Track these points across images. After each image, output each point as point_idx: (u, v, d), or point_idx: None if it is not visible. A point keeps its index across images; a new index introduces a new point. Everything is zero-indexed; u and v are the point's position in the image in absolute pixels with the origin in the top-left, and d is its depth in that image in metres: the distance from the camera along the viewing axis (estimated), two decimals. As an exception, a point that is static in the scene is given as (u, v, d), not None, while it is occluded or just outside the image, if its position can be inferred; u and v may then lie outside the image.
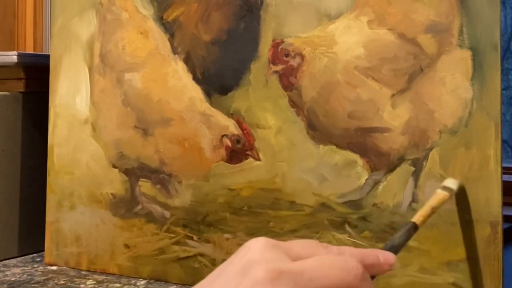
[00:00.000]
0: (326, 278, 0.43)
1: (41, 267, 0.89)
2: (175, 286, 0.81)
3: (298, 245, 0.46)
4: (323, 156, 0.73)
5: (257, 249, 0.44)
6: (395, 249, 0.52)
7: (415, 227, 0.58)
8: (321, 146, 0.74)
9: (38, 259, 0.93)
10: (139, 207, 0.85)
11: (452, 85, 0.67)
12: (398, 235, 0.55)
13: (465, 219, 0.66)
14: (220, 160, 0.79)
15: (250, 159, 0.78)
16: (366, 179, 0.71)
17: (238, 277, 0.42)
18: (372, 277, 0.47)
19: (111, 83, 0.88)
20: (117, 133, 0.87)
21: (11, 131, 0.95)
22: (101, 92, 0.88)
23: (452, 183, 0.65)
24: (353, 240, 0.71)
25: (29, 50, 1.43)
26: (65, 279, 0.84)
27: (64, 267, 0.89)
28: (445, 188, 0.64)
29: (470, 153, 0.66)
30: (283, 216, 0.76)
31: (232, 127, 0.79)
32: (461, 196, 0.66)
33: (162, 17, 0.85)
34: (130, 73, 0.86)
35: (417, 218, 0.59)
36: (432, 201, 0.62)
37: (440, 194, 0.63)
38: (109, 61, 0.88)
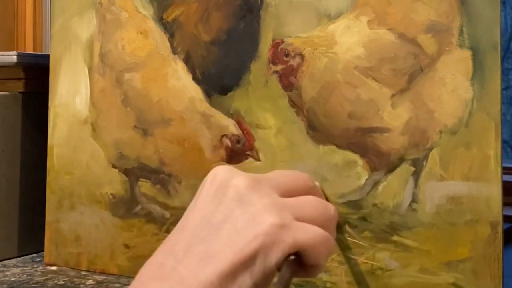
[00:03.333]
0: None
1: (40, 267, 0.89)
2: (175, 286, 0.81)
3: (288, 182, 0.48)
4: (323, 156, 0.73)
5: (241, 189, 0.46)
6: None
7: None
8: (321, 146, 0.74)
9: (37, 259, 0.93)
10: (139, 207, 0.85)
11: (452, 85, 0.67)
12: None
13: None
14: (220, 160, 0.79)
15: (250, 159, 0.77)
16: (366, 179, 0.71)
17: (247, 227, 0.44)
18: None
19: (111, 83, 0.88)
20: (117, 133, 0.87)
21: (11, 131, 0.95)
22: (101, 92, 0.88)
23: None
24: (353, 240, 0.71)
25: (29, 50, 1.43)
26: (65, 279, 0.84)
27: (64, 267, 0.89)
28: None
29: (470, 153, 0.66)
30: (283, 216, 0.75)
31: (232, 127, 0.78)
32: None
33: (162, 17, 0.85)
34: (130, 73, 0.86)
35: None
36: None
37: None
38: (109, 61, 0.88)
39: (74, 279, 0.84)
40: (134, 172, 0.86)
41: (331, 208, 0.47)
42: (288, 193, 0.47)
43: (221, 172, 0.46)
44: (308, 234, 0.44)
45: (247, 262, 0.42)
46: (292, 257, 0.44)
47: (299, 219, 0.45)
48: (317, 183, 0.53)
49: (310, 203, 0.47)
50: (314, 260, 0.45)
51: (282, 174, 0.48)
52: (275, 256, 0.42)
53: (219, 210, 0.45)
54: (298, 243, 0.43)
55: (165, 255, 0.44)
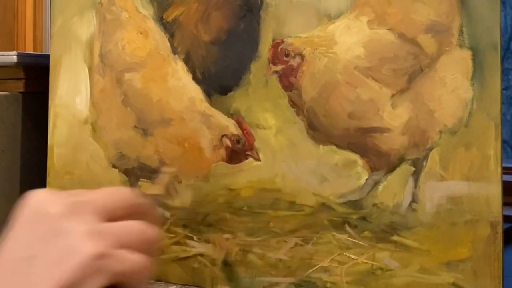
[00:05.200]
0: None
1: (41, 267, 0.89)
2: (175, 286, 0.81)
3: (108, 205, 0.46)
4: (323, 156, 0.73)
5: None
6: None
7: None
8: (321, 146, 0.74)
9: (38, 259, 0.93)
10: (139, 207, 0.85)
11: (452, 85, 0.67)
12: None
13: None
14: (220, 160, 0.79)
15: (250, 159, 0.78)
16: (366, 179, 0.71)
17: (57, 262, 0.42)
18: None
19: (111, 83, 0.88)
20: (117, 133, 0.87)
21: (11, 131, 0.95)
22: (101, 92, 0.88)
23: None
24: (353, 240, 0.71)
25: (29, 50, 1.43)
26: (65, 279, 0.84)
27: (64, 267, 0.89)
28: None
29: (470, 153, 0.66)
30: (283, 216, 0.75)
31: (232, 127, 0.79)
32: None
33: (162, 17, 0.85)
34: (130, 73, 0.86)
35: None
36: None
37: None
38: (109, 61, 0.88)
39: (74, 279, 0.83)
40: (134, 172, 0.86)
41: (153, 233, 0.47)
42: (111, 215, 0.46)
43: (35, 201, 0.44)
44: (127, 263, 0.44)
45: None
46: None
47: (119, 246, 0.44)
48: (146, 198, 0.52)
49: (131, 229, 0.46)
50: None
51: (105, 194, 0.47)
52: (94, 287, 0.42)
53: (33, 244, 0.43)
54: (117, 273, 0.43)
55: None
